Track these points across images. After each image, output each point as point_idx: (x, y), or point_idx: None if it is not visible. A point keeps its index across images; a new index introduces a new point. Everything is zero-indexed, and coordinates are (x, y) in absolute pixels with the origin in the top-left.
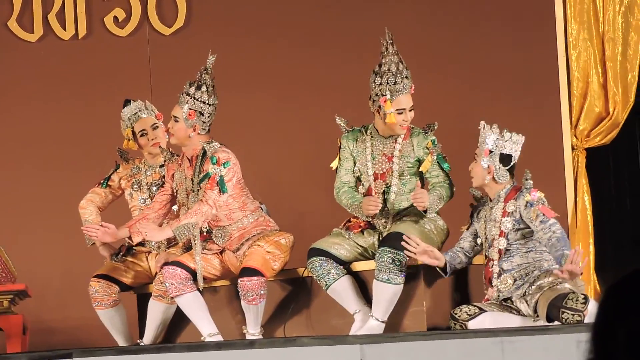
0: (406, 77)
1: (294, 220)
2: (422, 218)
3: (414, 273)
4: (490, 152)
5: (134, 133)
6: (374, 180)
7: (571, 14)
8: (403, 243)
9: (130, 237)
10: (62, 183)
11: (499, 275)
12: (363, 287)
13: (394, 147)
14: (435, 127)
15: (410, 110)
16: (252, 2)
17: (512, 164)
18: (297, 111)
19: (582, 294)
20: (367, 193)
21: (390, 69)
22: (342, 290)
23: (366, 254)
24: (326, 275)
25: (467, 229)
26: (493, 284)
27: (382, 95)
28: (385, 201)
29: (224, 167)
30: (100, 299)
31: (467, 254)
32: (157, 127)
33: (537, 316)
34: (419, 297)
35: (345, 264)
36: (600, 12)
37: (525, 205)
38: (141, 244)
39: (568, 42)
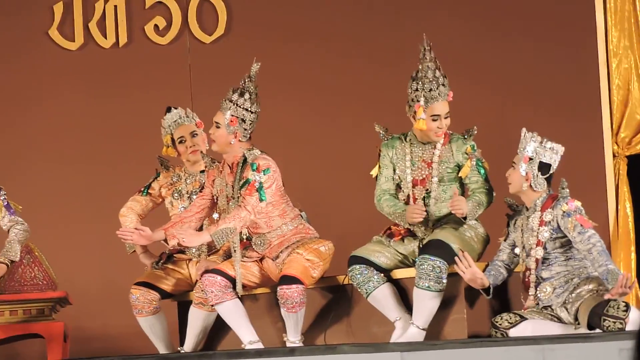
0: (442, 85)
1: (334, 227)
2: (462, 225)
3: (454, 281)
4: (530, 159)
5: (173, 140)
6: (413, 187)
7: (612, 22)
8: (457, 258)
9: (165, 240)
10: (102, 191)
11: (538, 284)
12: (403, 295)
13: (433, 153)
14: (474, 133)
15: (445, 118)
16: (293, 11)
17: (550, 173)
18: (337, 118)
19: (624, 302)
20: (407, 200)
21: (427, 75)
22: (382, 297)
23: (407, 262)
24: (366, 283)
25: (505, 240)
26: (531, 293)
27: (417, 101)
28: (425, 207)
29: (264, 174)
30: (141, 307)
31: (507, 267)
32: (197, 134)
33: (578, 324)
34: (460, 305)
35: (385, 272)
36: None
37: (562, 215)
38: (181, 251)
39: (609, 49)
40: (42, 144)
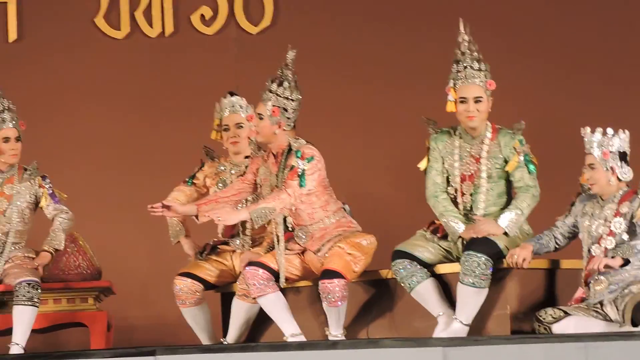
0: (471, 67)
1: (378, 221)
2: None
3: (498, 277)
4: (610, 153)
5: (220, 125)
6: (461, 182)
7: None
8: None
9: (197, 216)
10: (147, 179)
11: (598, 275)
12: (447, 290)
13: (482, 148)
14: (522, 127)
15: (477, 102)
16: (340, 1)
17: (627, 160)
18: (383, 111)
19: None
20: (455, 195)
21: (457, 58)
22: (425, 292)
23: (450, 257)
24: (410, 277)
25: (565, 218)
26: (590, 282)
27: (449, 84)
28: (472, 203)
29: (308, 162)
30: (185, 297)
31: (557, 245)
32: (242, 127)
33: (624, 322)
34: (503, 301)
35: (429, 267)
36: None
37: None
38: (225, 242)
39: None
40: (87, 130)
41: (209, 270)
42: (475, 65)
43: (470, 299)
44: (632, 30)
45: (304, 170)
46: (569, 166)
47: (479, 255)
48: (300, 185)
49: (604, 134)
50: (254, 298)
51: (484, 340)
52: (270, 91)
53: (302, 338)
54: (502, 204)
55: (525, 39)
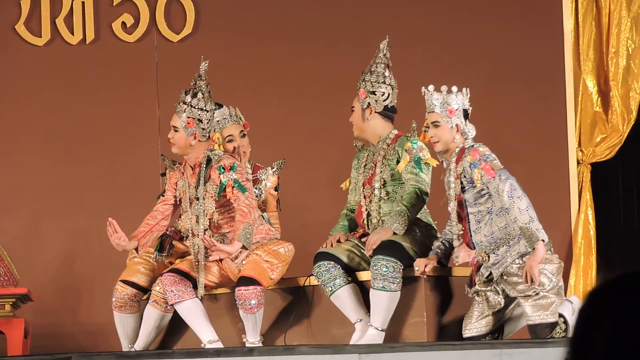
0: (362, 80)
1: (297, 230)
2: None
3: (415, 284)
4: (455, 110)
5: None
6: (363, 187)
7: (582, 26)
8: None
9: (136, 249)
10: (67, 187)
11: (473, 246)
12: (367, 298)
13: (380, 153)
14: (414, 128)
15: (352, 111)
16: (261, 9)
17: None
18: (304, 120)
19: (564, 323)
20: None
21: None
22: (345, 297)
23: (368, 261)
24: (332, 280)
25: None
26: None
27: None
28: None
29: (233, 171)
30: (124, 304)
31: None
32: (245, 135)
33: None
34: (419, 308)
35: (350, 272)
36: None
37: (470, 167)
38: (182, 238)
39: (580, 58)
40: (4, 138)
41: (152, 278)
42: (370, 78)
43: (383, 303)
44: (548, 41)
45: (235, 179)
46: None
47: (386, 258)
48: (243, 192)
49: (449, 92)
50: (171, 305)
51: (399, 347)
52: (184, 103)
53: (220, 345)
54: None
55: (445, 50)
